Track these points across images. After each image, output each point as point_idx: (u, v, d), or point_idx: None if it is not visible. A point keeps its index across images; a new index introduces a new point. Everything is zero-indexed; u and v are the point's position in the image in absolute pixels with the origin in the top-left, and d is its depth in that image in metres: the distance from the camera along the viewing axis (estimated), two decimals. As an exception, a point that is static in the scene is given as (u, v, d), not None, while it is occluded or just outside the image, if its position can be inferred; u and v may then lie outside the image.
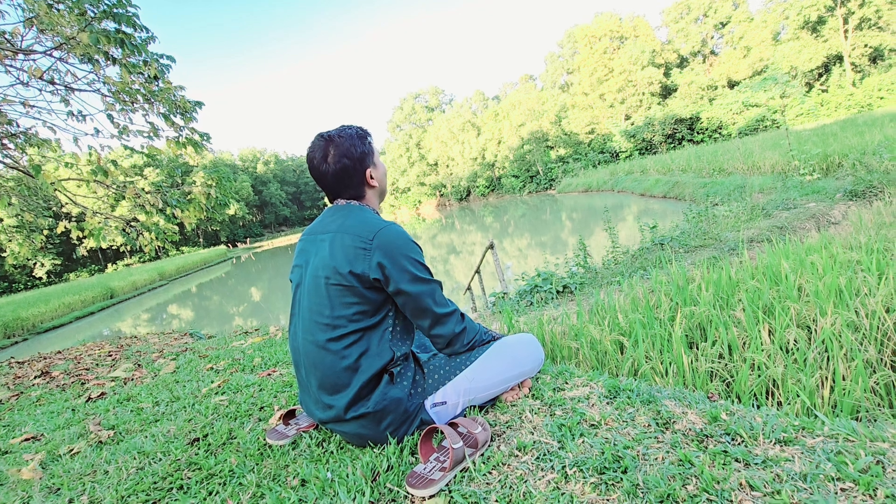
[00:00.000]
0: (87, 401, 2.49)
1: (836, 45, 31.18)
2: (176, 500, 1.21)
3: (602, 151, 37.30)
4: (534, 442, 1.19)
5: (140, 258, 46.22)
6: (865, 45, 30.45)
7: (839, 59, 32.11)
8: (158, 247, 5.60)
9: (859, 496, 0.84)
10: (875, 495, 0.84)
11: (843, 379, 1.74)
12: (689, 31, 38.14)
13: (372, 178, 1.40)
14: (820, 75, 33.09)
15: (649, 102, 36.87)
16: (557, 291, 4.89)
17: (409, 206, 55.97)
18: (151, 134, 4.90)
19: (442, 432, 1.23)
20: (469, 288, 7.42)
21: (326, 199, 1.45)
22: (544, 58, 47.92)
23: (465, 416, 1.35)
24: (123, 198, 5.34)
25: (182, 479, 1.32)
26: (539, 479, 1.04)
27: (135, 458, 1.52)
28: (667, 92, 38.12)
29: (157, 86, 4.71)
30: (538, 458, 1.12)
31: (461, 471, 1.12)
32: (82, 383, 3.00)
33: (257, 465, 1.33)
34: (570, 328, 2.54)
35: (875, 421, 1.57)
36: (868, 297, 2.19)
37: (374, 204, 1.45)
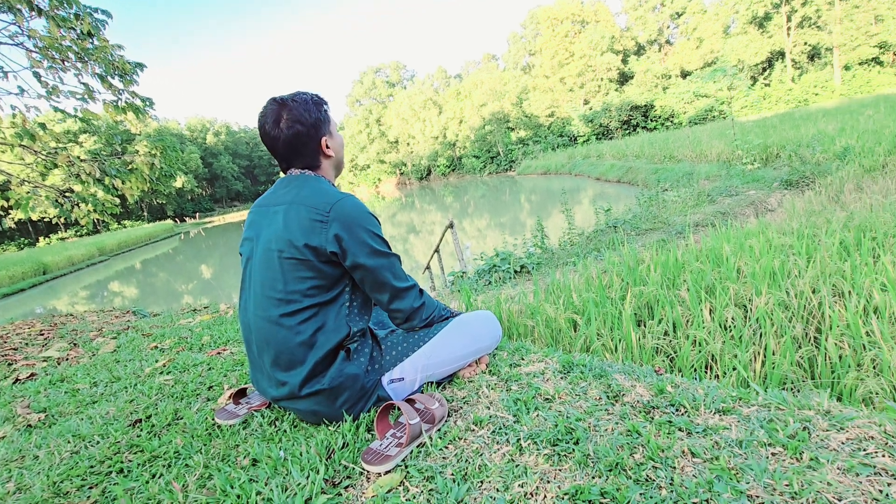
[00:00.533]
0: (14, 382, 2.31)
1: (780, 41, 32.96)
2: (115, 483, 1.15)
3: (561, 135, 37.93)
4: (490, 416, 1.21)
5: (77, 231, 42.96)
6: (805, 43, 32.35)
7: (782, 55, 33.98)
8: (97, 220, 5.21)
9: (788, 459, 0.91)
10: (801, 458, 0.90)
11: (773, 353, 1.88)
12: (647, 19, 39.09)
13: (328, 147, 1.34)
14: (764, 70, 34.96)
15: (607, 88, 37.70)
16: (515, 271, 4.98)
17: (368, 183, 54.93)
18: (86, 96, 4.49)
19: (399, 409, 1.22)
20: (428, 267, 7.42)
21: (282, 173, 1.38)
22: (507, 38, 47.79)
23: (422, 393, 1.35)
24: (56, 165, 4.90)
25: (122, 462, 1.25)
26: (494, 453, 1.05)
27: (69, 442, 1.42)
28: (624, 79, 39.08)
29: (92, 43, 4.30)
30: (494, 431, 1.14)
31: (418, 446, 1.12)
32: (9, 364, 2.78)
33: (205, 445, 1.27)
34: (526, 307, 2.59)
35: (799, 391, 1.71)
36: (798, 278, 2.37)
37: (329, 176, 1.39)
